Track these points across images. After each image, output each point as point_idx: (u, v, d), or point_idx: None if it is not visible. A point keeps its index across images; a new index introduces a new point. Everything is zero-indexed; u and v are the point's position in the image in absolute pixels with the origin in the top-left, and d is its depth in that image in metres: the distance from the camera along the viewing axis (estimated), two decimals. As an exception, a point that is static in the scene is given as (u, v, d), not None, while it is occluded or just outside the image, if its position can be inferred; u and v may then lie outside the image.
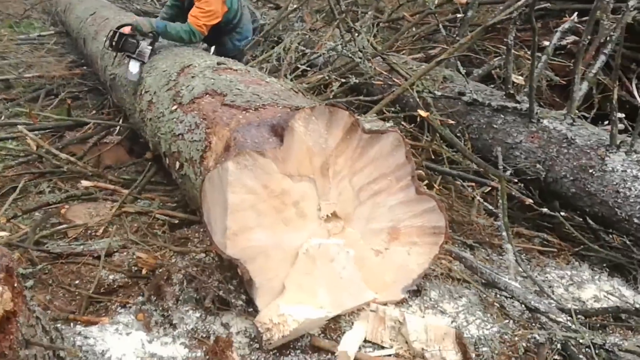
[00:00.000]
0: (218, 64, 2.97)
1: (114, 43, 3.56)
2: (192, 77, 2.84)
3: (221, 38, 4.14)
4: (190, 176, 2.41)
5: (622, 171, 2.90)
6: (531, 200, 3.15)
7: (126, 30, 3.55)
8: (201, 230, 2.66)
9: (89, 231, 2.96)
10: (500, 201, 2.88)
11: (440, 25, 4.88)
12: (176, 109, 2.70)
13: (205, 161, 2.26)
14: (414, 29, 6.18)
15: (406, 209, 2.16)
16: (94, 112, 4.93)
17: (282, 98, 2.36)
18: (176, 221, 2.96)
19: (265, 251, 1.97)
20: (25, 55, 6.44)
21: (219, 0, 3.74)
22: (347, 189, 2.06)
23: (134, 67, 3.48)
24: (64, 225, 2.96)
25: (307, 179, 1.98)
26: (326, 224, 2.07)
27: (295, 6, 6.07)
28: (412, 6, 6.77)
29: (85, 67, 5.98)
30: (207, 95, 2.57)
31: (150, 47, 3.55)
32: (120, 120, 4.35)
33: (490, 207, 3.24)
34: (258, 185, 1.90)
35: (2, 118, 4.58)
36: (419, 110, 3.15)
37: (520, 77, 4.29)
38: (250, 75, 2.82)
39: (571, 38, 4.75)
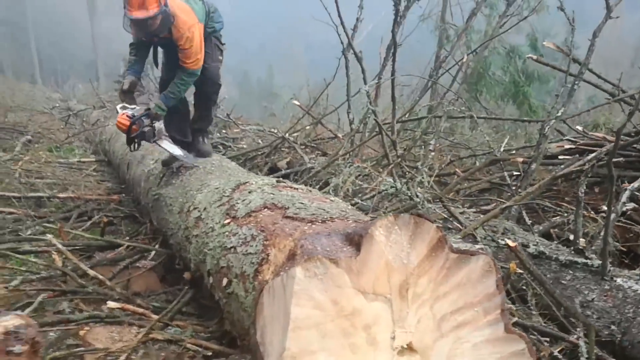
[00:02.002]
0: (277, 181, 3.00)
1: (137, 144, 3.96)
2: (249, 192, 2.87)
3: None
4: (239, 294, 2.30)
5: None
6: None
7: (144, 121, 3.93)
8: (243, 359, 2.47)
9: (109, 357, 2.80)
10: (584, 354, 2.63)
11: (506, 174, 4.93)
12: (229, 222, 2.68)
13: (261, 275, 2.16)
14: (465, 184, 6.32)
15: (492, 348, 1.96)
16: (127, 238, 4.99)
17: (352, 214, 2.32)
18: (209, 353, 2.78)
19: (327, 383, 1.78)
20: (62, 177, 6.75)
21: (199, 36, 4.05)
22: (428, 316, 1.90)
23: (171, 148, 3.90)
24: (82, 349, 2.82)
25: (383, 299, 1.84)
26: (399, 357, 1.87)
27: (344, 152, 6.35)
28: (460, 165, 7.02)
29: (123, 194, 6.20)
30: (266, 209, 2.56)
31: (160, 123, 4.01)
32: (157, 246, 4.36)
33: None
34: (327, 300, 1.77)
35: (29, 233, 4.65)
36: (506, 240, 3.04)
37: (584, 241, 4.22)
38: (313, 193, 2.83)
39: (631, 205, 4.77)
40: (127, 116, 3.93)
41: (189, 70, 4.01)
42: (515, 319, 3.20)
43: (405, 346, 1.88)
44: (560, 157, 5.72)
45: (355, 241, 1.84)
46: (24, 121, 10.85)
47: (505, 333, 1.97)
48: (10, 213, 5.04)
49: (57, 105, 17.06)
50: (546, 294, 3.03)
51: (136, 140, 3.88)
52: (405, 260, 1.86)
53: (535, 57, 5.15)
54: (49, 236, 3.72)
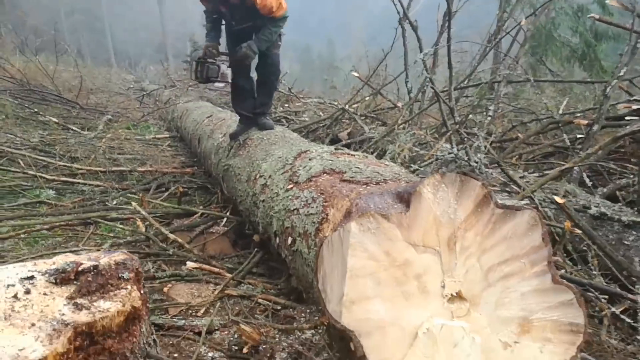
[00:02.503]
0: (336, 149, 3.15)
1: (198, 73, 4.21)
2: (310, 159, 3.04)
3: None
4: (303, 251, 2.49)
5: None
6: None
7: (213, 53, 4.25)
8: (307, 311, 2.68)
9: (190, 310, 3.08)
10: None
11: (566, 137, 4.86)
12: (292, 187, 2.86)
13: (321, 233, 2.34)
14: (528, 148, 6.23)
15: (540, 298, 2.06)
16: (201, 207, 5.31)
17: (404, 177, 2.44)
18: (279, 307, 3.01)
19: (383, 326, 1.93)
20: (140, 152, 7.19)
21: None
22: (475, 267, 2.02)
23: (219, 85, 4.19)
24: (166, 303, 3.11)
25: (432, 252, 1.98)
26: (450, 304, 2.00)
27: (403, 121, 6.40)
28: (523, 130, 6.89)
29: (195, 167, 6.55)
30: (325, 174, 2.72)
31: (229, 69, 4.28)
32: (228, 213, 4.64)
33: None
34: (380, 252, 1.92)
35: (114, 203, 5.05)
36: (554, 197, 3.08)
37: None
38: (369, 159, 2.96)
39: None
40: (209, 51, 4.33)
41: (277, 18, 4.12)
42: (572, 276, 3.24)
43: (455, 294, 2.01)
44: (627, 118, 5.56)
45: (405, 199, 1.97)
46: (103, 102, 11.51)
47: (552, 284, 2.06)
48: (97, 186, 5.46)
49: (132, 86, 17.87)
50: (599, 249, 3.04)
51: (199, 69, 4.24)
52: (452, 215, 1.97)
53: (597, 16, 4.98)
54: (133, 204, 4.04)
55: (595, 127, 4.96)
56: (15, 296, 1.20)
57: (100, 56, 47.29)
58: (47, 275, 1.26)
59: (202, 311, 3.04)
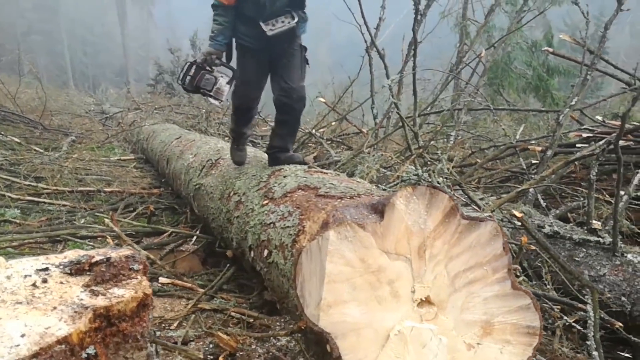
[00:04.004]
0: (309, 167, 3.31)
1: (188, 78, 3.57)
2: (284, 177, 3.19)
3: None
4: (279, 262, 2.62)
5: None
6: (620, 324, 3.11)
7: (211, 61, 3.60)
8: (282, 320, 2.79)
9: (163, 324, 3.15)
10: (590, 317, 2.87)
11: (522, 162, 5.15)
12: (267, 203, 3.00)
13: (298, 244, 2.47)
14: (486, 173, 6.54)
15: (501, 303, 2.24)
16: (169, 226, 5.36)
17: (376, 192, 2.62)
18: (251, 320, 3.11)
19: (358, 329, 2.07)
20: (106, 173, 7.19)
21: None
22: (443, 274, 2.19)
23: (213, 103, 3.65)
24: (139, 317, 3.16)
25: (404, 259, 2.14)
26: (419, 308, 2.16)
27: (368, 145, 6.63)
28: (481, 156, 7.23)
29: (162, 188, 6.60)
30: (300, 190, 2.87)
31: (228, 86, 3.60)
32: (197, 232, 4.72)
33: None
34: (356, 258, 2.07)
35: (82, 222, 5.06)
36: (513, 210, 3.30)
37: (598, 222, 4.44)
38: (341, 177, 3.13)
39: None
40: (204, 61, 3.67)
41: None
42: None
43: (424, 299, 2.18)
44: (578, 145, 5.92)
45: (379, 210, 2.14)
46: (66, 123, 11.42)
47: (512, 289, 2.25)
48: (64, 205, 5.46)
49: (92, 108, 17.72)
50: (550, 259, 3.27)
51: (190, 73, 3.61)
52: (423, 225, 2.15)
53: (550, 49, 5.36)
54: (106, 221, 4.09)
55: (549, 152, 5.27)
56: (33, 284, 1.30)
57: (57, 78, 46.62)
58: (61, 267, 1.37)
59: (175, 324, 3.11)
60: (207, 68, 3.63)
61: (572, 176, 5.93)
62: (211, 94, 3.58)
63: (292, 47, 3.72)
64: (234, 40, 3.76)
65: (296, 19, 3.49)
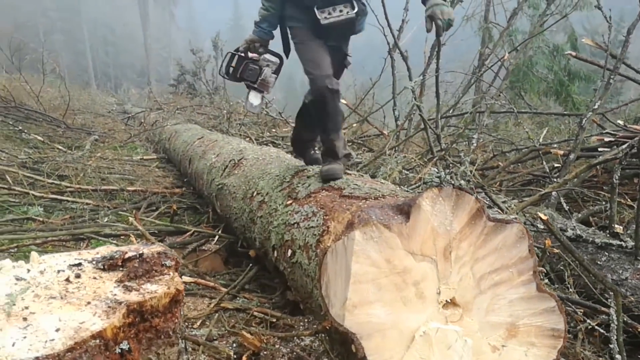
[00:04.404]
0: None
1: (231, 68, 3.33)
2: (308, 177, 3.20)
3: None
4: (303, 262, 2.63)
5: None
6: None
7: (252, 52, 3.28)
8: (305, 320, 2.80)
9: (187, 323, 3.17)
10: (614, 320, 2.84)
11: (545, 165, 5.11)
12: (291, 203, 3.01)
13: (322, 245, 2.49)
14: (508, 176, 6.50)
15: (526, 305, 2.23)
16: (191, 226, 5.41)
17: (401, 193, 2.62)
18: (274, 320, 3.12)
19: (383, 329, 2.08)
20: (129, 172, 7.28)
21: None
22: (468, 275, 2.19)
23: (254, 98, 3.31)
24: (163, 315, 3.20)
25: (429, 260, 2.14)
26: (444, 310, 2.16)
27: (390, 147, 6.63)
28: (503, 159, 7.20)
29: (184, 188, 6.66)
30: (324, 190, 2.88)
31: (274, 76, 3.33)
32: (219, 231, 4.75)
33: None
34: (381, 259, 2.08)
35: (105, 220, 5.12)
36: (538, 212, 3.28)
37: (620, 226, 4.40)
38: (365, 177, 3.13)
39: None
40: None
41: None
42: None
43: (449, 300, 2.18)
44: (600, 149, 5.86)
45: (405, 211, 2.14)
46: (88, 122, 11.57)
47: (537, 292, 2.24)
48: (87, 204, 5.53)
49: (114, 108, 17.94)
50: (574, 262, 3.24)
51: (232, 63, 3.35)
52: (449, 227, 2.15)
53: (574, 53, 5.31)
54: (130, 219, 4.14)
55: (572, 156, 5.22)
56: (67, 280, 1.33)
57: (80, 78, 47.27)
58: (93, 262, 1.39)
59: (198, 323, 3.13)
60: (251, 57, 3.34)
61: (594, 180, 5.88)
62: (255, 86, 3.31)
63: (344, 48, 3.47)
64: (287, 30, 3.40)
65: (356, 9, 3.15)
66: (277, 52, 3.45)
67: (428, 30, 2.92)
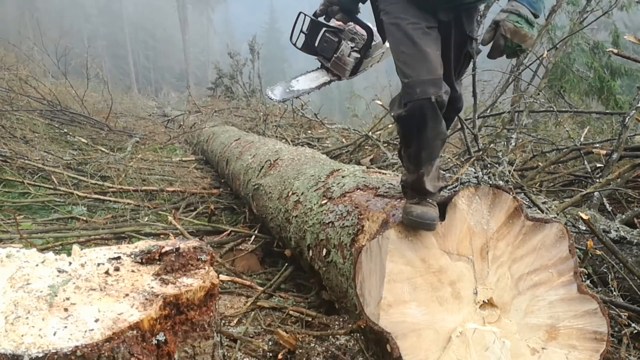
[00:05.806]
0: (367, 167, 3.30)
1: (301, 35, 2.54)
2: (342, 177, 3.19)
3: None
4: (338, 261, 2.62)
5: None
6: None
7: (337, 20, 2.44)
8: (340, 319, 2.79)
9: (223, 320, 3.20)
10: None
11: (587, 165, 4.98)
12: (326, 203, 3.01)
13: (357, 244, 2.47)
14: (548, 177, 6.34)
15: (567, 307, 2.17)
16: (228, 226, 5.46)
17: (436, 192, 2.58)
18: (310, 319, 3.12)
19: (418, 329, 2.05)
20: (168, 174, 7.41)
21: None
22: (506, 276, 2.14)
23: (316, 78, 2.61)
24: (200, 312, 3.24)
25: (466, 260, 2.11)
26: (481, 311, 2.12)
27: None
28: (543, 159, 7.03)
29: (221, 189, 6.74)
30: (359, 190, 2.87)
31: (356, 56, 2.49)
32: (256, 231, 4.79)
33: None
34: (417, 258, 2.05)
35: (146, 220, 5.23)
36: (580, 213, 3.19)
37: (665, 229, 4.23)
38: (400, 177, 3.10)
39: None
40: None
41: None
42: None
43: (486, 301, 2.13)
44: (644, 149, 5.67)
45: (440, 210, 2.11)
46: (130, 125, 11.84)
47: (578, 293, 2.18)
48: (128, 203, 5.65)
49: (155, 111, 18.30)
50: (618, 264, 3.13)
51: (303, 29, 2.50)
52: (485, 226, 2.11)
53: (616, 50, 5.14)
54: (169, 217, 4.20)
55: (615, 156, 5.06)
56: (106, 272, 1.36)
57: (121, 82, 48.37)
58: (132, 256, 1.42)
59: (235, 321, 3.16)
60: (330, 25, 2.53)
61: (638, 180, 5.69)
62: (328, 65, 2.54)
63: (466, 26, 2.36)
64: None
65: None
66: (368, 24, 2.53)
67: (484, 43, 2.10)
